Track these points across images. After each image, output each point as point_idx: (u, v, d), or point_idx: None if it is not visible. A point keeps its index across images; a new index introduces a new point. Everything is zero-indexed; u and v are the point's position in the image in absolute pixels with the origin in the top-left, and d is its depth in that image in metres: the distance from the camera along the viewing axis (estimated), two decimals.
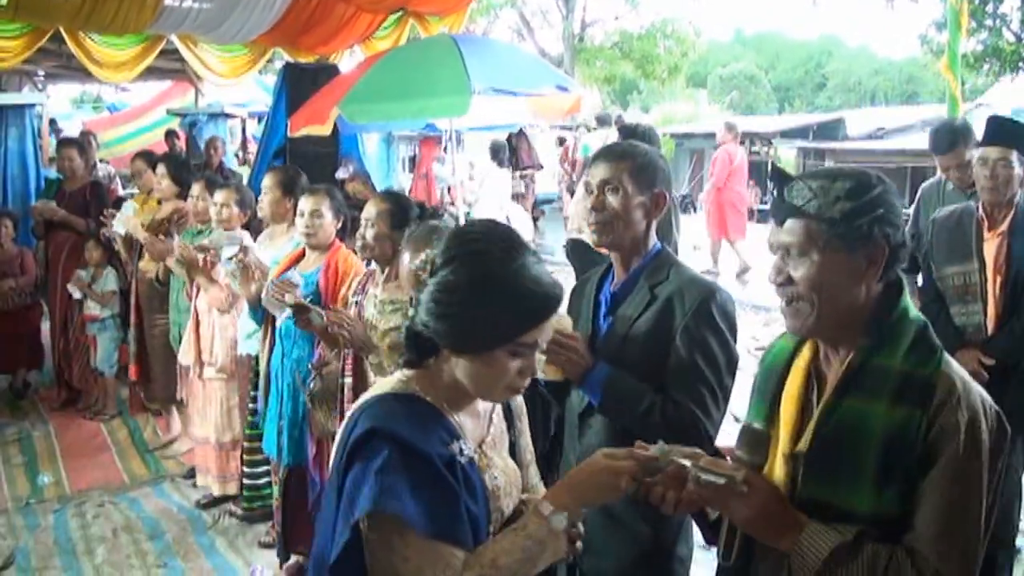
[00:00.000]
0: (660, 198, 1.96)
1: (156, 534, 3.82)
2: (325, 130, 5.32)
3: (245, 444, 3.69)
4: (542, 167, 12.16)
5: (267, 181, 3.72)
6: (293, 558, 3.41)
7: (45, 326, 5.89)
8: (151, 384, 4.82)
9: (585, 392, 1.96)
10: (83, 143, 6.00)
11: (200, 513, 4.02)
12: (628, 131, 4.31)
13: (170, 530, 3.86)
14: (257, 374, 3.51)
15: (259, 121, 11.30)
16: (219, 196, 3.84)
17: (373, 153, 10.34)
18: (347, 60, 8.33)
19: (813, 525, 1.31)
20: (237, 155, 11.11)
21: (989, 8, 12.42)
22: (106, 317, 5.20)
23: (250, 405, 3.64)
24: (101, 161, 9.08)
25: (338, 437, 1.39)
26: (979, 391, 1.32)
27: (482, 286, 1.28)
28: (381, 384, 1.43)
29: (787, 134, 18.77)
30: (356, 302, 2.86)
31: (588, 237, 2.25)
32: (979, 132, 3.23)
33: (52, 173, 6.16)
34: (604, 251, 2.07)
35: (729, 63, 42.45)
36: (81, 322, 5.28)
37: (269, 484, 3.57)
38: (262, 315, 3.26)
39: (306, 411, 3.08)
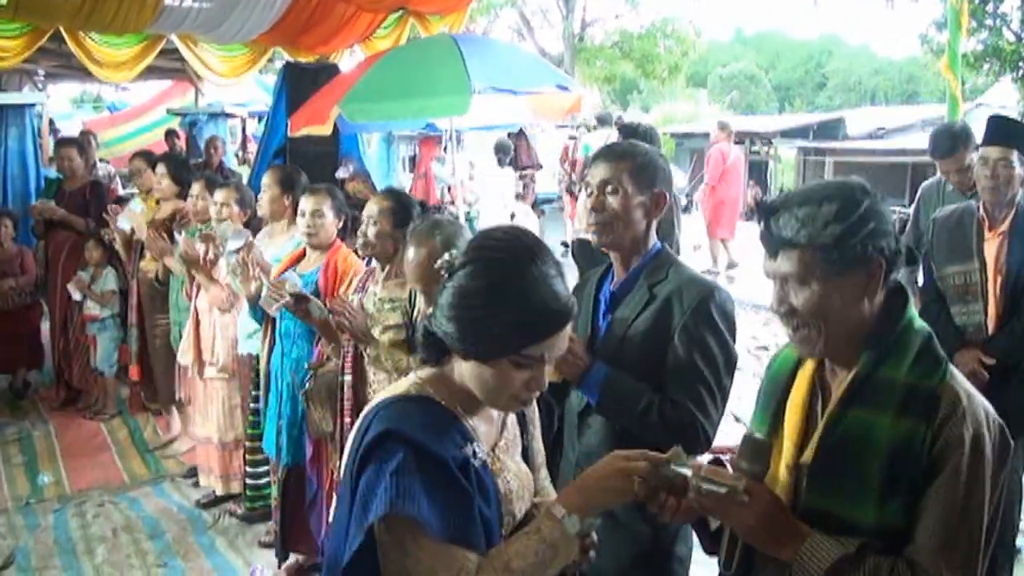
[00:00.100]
0: (660, 198, 1.96)
1: (156, 534, 3.82)
2: (325, 130, 5.32)
3: (247, 444, 3.69)
4: (541, 167, 12.15)
5: (266, 179, 3.72)
6: (292, 557, 3.41)
7: (45, 326, 5.89)
8: (153, 384, 4.82)
9: (583, 392, 1.96)
10: (82, 143, 6.00)
11: (200, 513, 4.02)
12: (629, 130, 4.31)
13: (170, 530, 3.86)
14: (258, 373, 3.51)
15: (259, 121, 11.30)
16: (219, 195, 3.85)
17: (373, 153, 10.34)
18: (347, 60, 8.33)
19: (815, 536, 1.30)
20: (237, 155, 11.10)
21: (989, 8, 12.40)
22: (106, 317, 5.20)
23: (251, 405, 3.64)
24: (101, 160, 9.07)
25: (350, 440, 1.38)
26: (983, 403, 1.32)
27: (491, 294, 1.27)
28: (395, 386, 1.43)
29: (787, 134, 18.76)
30: (356, 299, 2.86)
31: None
32: (979, 132, 3.23)
33: (52, 172, 6.16)
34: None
35: (729, 63, 42.46)
36: (81, 322, 5.28)
37: (270, 484, 3.58)
38: (262, 314, 3.26)
39: (305, 411, 3.07)
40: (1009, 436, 1.32)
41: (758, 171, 19.32)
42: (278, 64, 9.20)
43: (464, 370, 1.34)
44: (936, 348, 1.36)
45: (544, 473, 1.65)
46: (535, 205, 11.38)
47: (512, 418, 1.53)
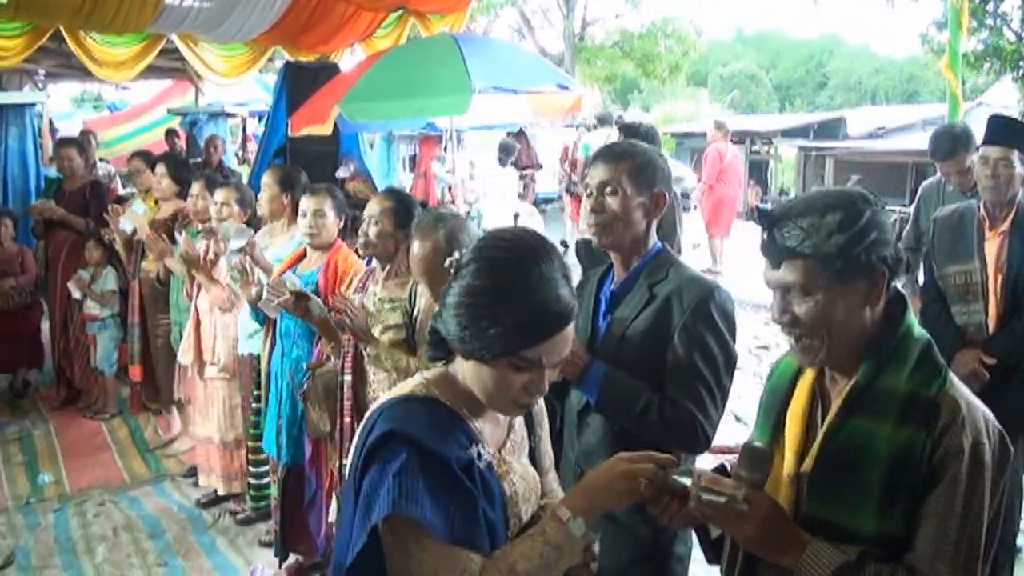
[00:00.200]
0: (660, 198, 1.95)
1: (156, 533, 3.82)
2: (326, 129, 5.32)
3: (249, 444, 3.69)
4: (541, 167, 12.16)
5: (266, 178, 3.73)
6: (292, 557, 3.41)
7: (45, 325, 5.89)
8: (155, 384, 4.82)
9: (582, 391, 1.96)
10: (82, 142, 6.01)
11: (200, 512, 4.02)
12: (630, 130, 4.31)
13: (170, 529, 3.86)
14: (260, 373, 3.51)
15: (260, 120, 11.31)
16: (219, 195, 3.85)
17: (374, 152, 10.34)
18: (348, 59, 8.33)
19: (816, 544, 1.30)
20: (237, 154, 11.11)
21: (990, 7, 12.41)
22: (106, 316, 5.20)
23: (253, 405, 3.64)
24: (101, 160, 9.08)
25: (355, 440, 1.38)
26: (983, 411, 1.32)
27: (490, 294, 1.27)
28: (400, 387, 1.43)
29: (788, 133, 18.76)
30: (357, 299, 2.86)
31: None
32: (979, 131, 3.22)
33: (52, 172, 6.16)
34: None
35: (730, 62, 42.44)
36: (81, 321, 5.28)
37: (272, 483, 3.58)
38: (263, 315, 3.26)
39: (304, 410, 3.08)
40: (1009, 443, 1.33)
41: (759, 171, 19.32)
42: (278, 63, 9.20)
43: (466, 371, 1.34)
44: (936, 356, 1.36)
45: (553, 476, 1.64)
46: (535, 205, 11.38)
47: (519, 420, 1.52)
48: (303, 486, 3.21)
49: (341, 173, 6.32)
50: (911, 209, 4.23)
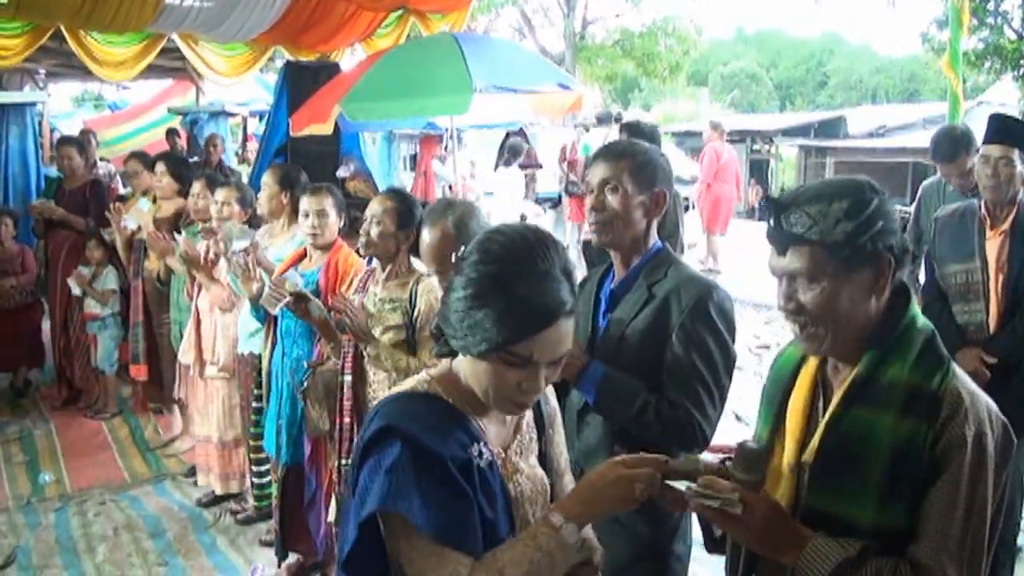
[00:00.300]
0: (660, 197, 1.95)
1: (157, 532, 3.82)
2: (326, 129, 5.32)
3: (250, 443, 3.69)
4: (541, 166, 12.15)
5: (265, 177, 3.73)
6: (293, 556, 3.41)
7: (46, 325, 5.89)
8: (159, 383, 4.81)
9: (580, 391, 1.96)
10: (82, 142, 6.01)
11: (201, 511, 4.02)
12: (631, 129, 4.31)
13: (171, 528, 3.86)
14: (260, 373, 3.51)
15: (260, 119, 11.29)
16: (220, 194, 3.84)
17: (374, 151, 10.34)
18: (348, 58, 8.34)
19: (817, 540, 1.30)
20: (237, 153, 11.10)
21: (990, 6, 12.41)
22: (106, 315, 5.20)
23: (254, 404, 3.64)
24: (102, 159, 9.09)
25: (358, 437, 1.38)
26: (986, 402, 1.31)
27: (481, 287, 1.25)
28: (403, 383, 1.42)
29: (788, 132, 18.77)
30: (357, 299, 2.86)
31: None
32: (980, 130, 3.22)
33: (53, 171, 6.16)
34: None
35: (730, 61, 42.42)
36: (81, 320, 5.28)
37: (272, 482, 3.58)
38: (264, 314, 3.26)
39: (304, 409, 3.08)
40: (1012, 434, 1.32)
41: (759, 170, 19.34)
42: (279, 63, 9.21)
43: (465, 367, 1.34)
44: (939, 347, 1.35)
45: (569, 478, 1.60)
46: (536, 204, 11.38)
47: (528, 421, 1.50)
48: (303, 486, 3.21)
49: (342, 172, 6.31)
50: (911, 209, 4.23)
